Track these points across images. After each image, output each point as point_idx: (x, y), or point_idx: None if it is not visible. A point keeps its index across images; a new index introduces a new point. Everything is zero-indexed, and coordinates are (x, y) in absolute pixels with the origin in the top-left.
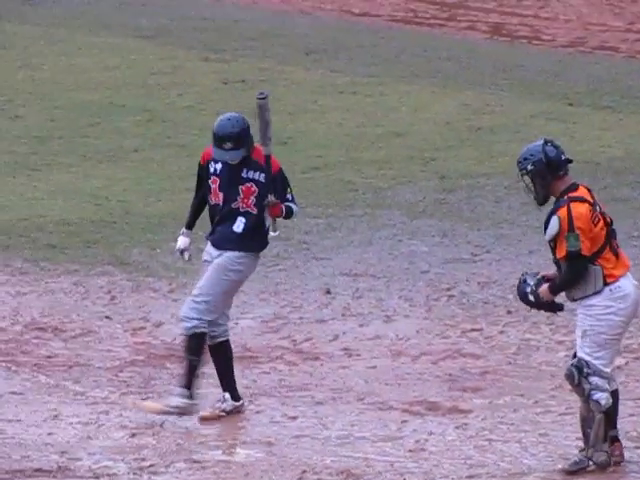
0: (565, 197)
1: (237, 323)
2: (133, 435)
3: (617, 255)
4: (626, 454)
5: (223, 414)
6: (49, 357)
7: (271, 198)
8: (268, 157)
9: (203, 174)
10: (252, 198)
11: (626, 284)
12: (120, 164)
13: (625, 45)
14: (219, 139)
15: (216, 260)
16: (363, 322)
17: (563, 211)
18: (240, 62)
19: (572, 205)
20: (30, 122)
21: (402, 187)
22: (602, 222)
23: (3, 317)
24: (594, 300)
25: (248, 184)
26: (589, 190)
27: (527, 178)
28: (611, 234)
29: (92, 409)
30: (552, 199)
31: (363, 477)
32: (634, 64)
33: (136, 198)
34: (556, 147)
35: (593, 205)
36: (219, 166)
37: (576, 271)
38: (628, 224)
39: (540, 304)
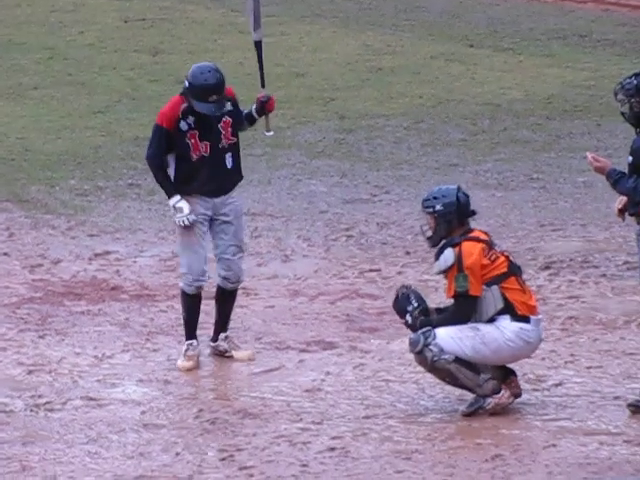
0: (462, 237)
1: (135, 261)
2: (30, 372)
3: (524, 291)
4: (524, 396)
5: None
6: None
7: (265, 93)
8: (259, 43)
9: (173, 136)
10: (229, 129)
11: (535, 333)
12: (20, 101)
13: None
14: (205, 92)
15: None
16: (261, 261)
17: (457, 249)
18: (141, 0)
19: (464, 244)
20: None
21: (302, 127)
22: (502, 258)
23: None
24: (503, 321)
25: (223, 119)
26: (485, 233)
27: (430, 217)
28: (515, 270)
29: None
30: None
31: (260, 416)
32: (535, 6)
33: (35, 135)
34: (467, 196)
35: (489, 244)
36: (191, 119)
37: (464, 312)
38: (528, 166)
39: (413, 327)
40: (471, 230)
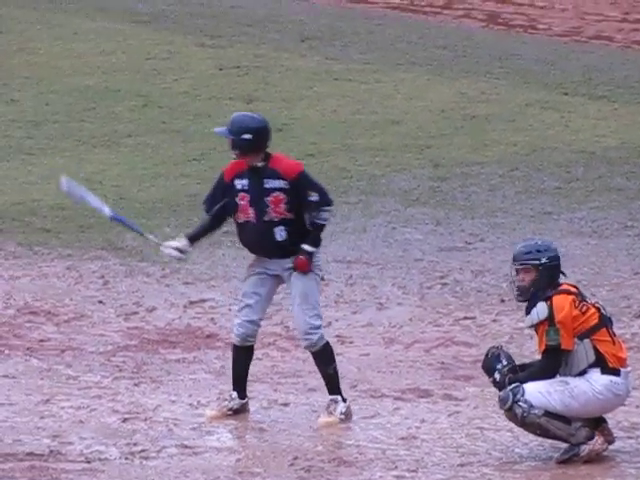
0: (552, 291)
1: (230, 309)
2: (125, 420)
3: (615, 342)
4: (618, 444)
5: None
6: (42, 341)
7: (296, 259)
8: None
9: (227, 192)
10: (282, 205)
11: (624, 386)
12: (114, 149)
13: (621, 35)
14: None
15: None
16: (356, 309)
17: (549, 302)
18: (236, 48)
19: (555, 298)
20: (25, 106)
21: (396, 175)
22: (593, 309)
23: None
24: (594, 374)
25: (274, 194)
26: (574, 286)
27: (532, 270)
28: (606, 321)
29: (84, 393)
30: None
31: (355, 464)
32: (629, 54)
33: (130, 183)
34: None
35: (578, 295)
36: (245, 182)
37: (552, 366)
38: (622, 214)
39: (501, 385)
40: (560, 284)
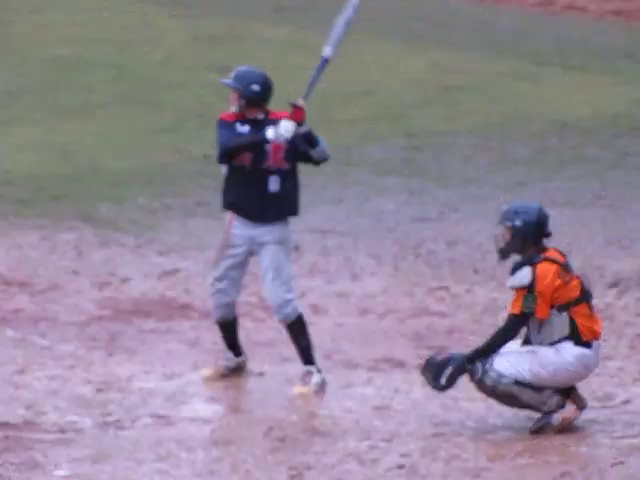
0: (541, 255)
1: (204, 279)
2: (99, 390)
3: (592, 316)
4: (592, 414)
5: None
6: (16, 311)
7: (301, 102)
8: (326, 61)
9: (233, 129)
10: (280, 154)
11: (594, 359)
12: (88, 119)
13: (594, 5)
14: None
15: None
16: (330, 279)
17: (534, 268)
18: (209, 18)
19: (540, 265)
20: None
21: (370, 145)
22: (576, 281)
23: None
24: (565, 345)
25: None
26: (562, 253)
27: (506, 230)
28: (587, 296)
29: (58, 363)
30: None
31: (329, 434)
32: (603, 24)
33: (104, 153)
34: (547, 216)
35: (564, 266)
36: (246, 128)
37: (515, 329)
38: (596, 184)
39: (456, 363)
40: (546, 249)
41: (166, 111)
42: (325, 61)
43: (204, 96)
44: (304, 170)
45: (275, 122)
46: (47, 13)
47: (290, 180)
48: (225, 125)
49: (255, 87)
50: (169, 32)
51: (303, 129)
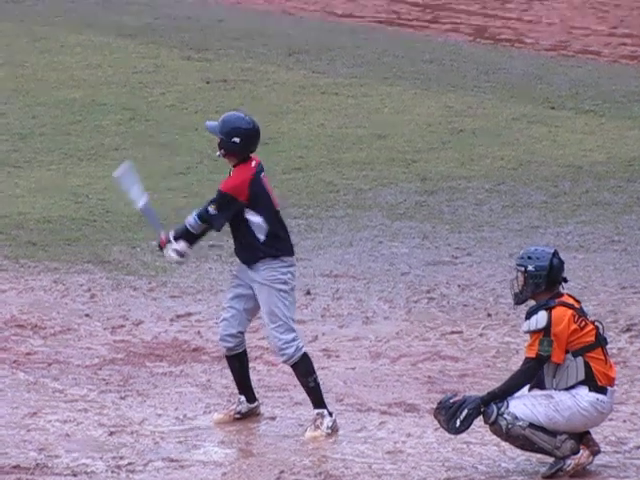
0: (556, 301)
1: (217, 322)
2: (111, 433)
3: (607, 362)
4: (605, 458)
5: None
6: (28, 354)
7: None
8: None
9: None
10: None
11: (609, 405)
12: (101, 162)
13: (608, 49)
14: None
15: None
16: (343, 323)
17: (550, 313)
18: (223, 62)
19: (556, 310)
20: (12, 119)
21: (383, 189)
22: (591, 326)
23: None
24: (581, 391)
25: None
26: (576, 299)
27: (520, 275)
28: (602, 341)
29: (71, 406)
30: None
31: (341, 478)
32: (617, 68)
33: (116, 196)
34: (561, 262)
35: (578, 311)
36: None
37: (532, 374)
38: (609, 228)
39: (472, 406)
40: (561, 295)
41: (179, 154)
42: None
43: (217, 140)
44: (314, 214)
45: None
46: (58, 55)
47: (238, 230)
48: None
49: (236, 139)
50: (182, 75)
51: (172, 247)
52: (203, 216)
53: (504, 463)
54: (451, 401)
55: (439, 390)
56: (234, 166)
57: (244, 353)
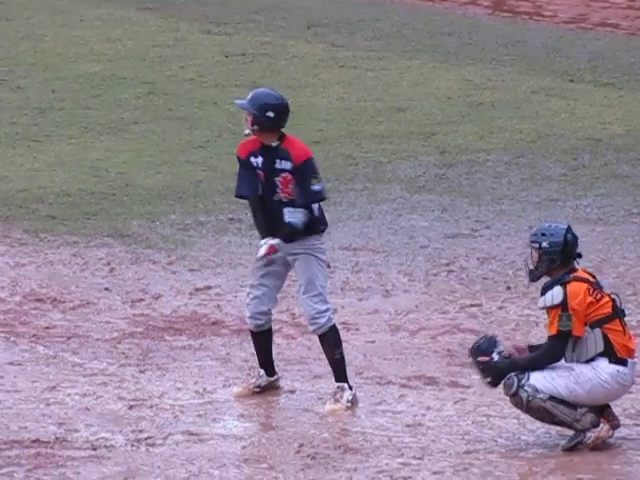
0: (570, 276)
1: (236, 296)
2: (131, 407)
3: (625, 333)
4: (624, 431)
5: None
6: (48, 328)
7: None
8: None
9: (250, 169)
10: (290, 187)
11: (630, 376)
12: (120, 136)
13: (626, 22)
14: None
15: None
16: (362, 296)
17: (565, 288)
18: (242, 35)
19: (571, 284)
20: (31, 93)
21: (402, 162)
22: (607, 298)
23: (2, 287)
24: (601, 362)
25: (283, 174)
26: (591, 274)
27: (535, 252)
28: (619, 312)
29: (90, 380)
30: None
31: (360, 451)
32: (635, 41)
33: (136, 170)
34: (575, 237)
35: (594, 284)
36: (259, 160)
37: (558, 350)
38: (628, 201)
39: (497, 366)
40: (575, 270)
41: (198, 128)
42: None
43: (236, 113)
44: (333, 187)
45: (284, 152)
46: (78, 29)
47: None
48: (241, 165)
49: (270, 114)
50: (201, 48)
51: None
52: (315, 199)
53: (524, 436)
54: (479, 359)
55: (458, 363)
56: (279, 140)
57: (270, 330)
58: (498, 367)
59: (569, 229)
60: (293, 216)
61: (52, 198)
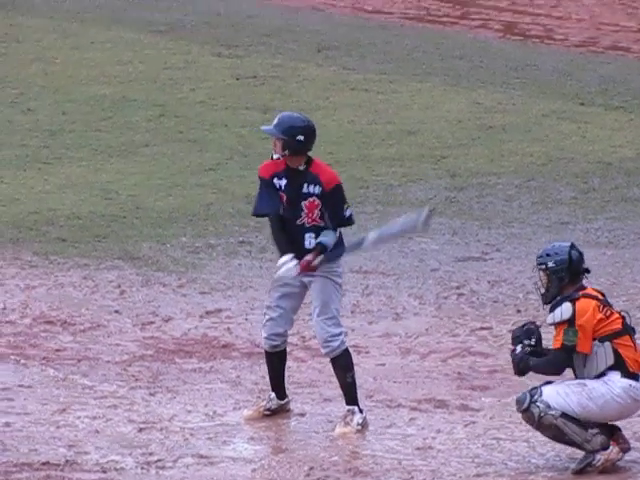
0: (579, 293)
1: (246, 319)
2: (141, 430)
3: (636, 349)
4: (634, 454)
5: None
6: (58, 350)
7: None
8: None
9: (271, 187)
10: (316, 212)
11: None
12: (131, 158)
13: (637, 45)
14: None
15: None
16: (372, 319)
17: (574, 304)
18: (252, 58)
19: (579, 301)
20: (42, 116)
21: (413, 185)
22: (617, 315)
23: (12, 310)
24: (613, 377)
25: (310, 199)
26: (600, 292)
27: (543, 274)
28: (629, 329)
29: (100, 403)
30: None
31: (371, 474)
32: None
33: (146, 193)
34: (580, 254)
35: (602, 302)
36: (283, 182)
37: (560, 364)
38: (638, 224)
39: (515, 359)
40: (584, 288)
41: (209, 150)
42: (360, 243)
43: (247, 136)
44: None
45: (313, 176)
46: (89, 51)
47: (316, 228)
48: (263, 184)
49: (300, 137)
50: (212, 71)
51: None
52: (347, 224)
53: (534, 459)
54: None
55: (468, 386)
56: (306, 164)
57: (285, 351)
58: (514, 359)
59: (572, 246)
60: (326, 234)
61: (63, 220)
